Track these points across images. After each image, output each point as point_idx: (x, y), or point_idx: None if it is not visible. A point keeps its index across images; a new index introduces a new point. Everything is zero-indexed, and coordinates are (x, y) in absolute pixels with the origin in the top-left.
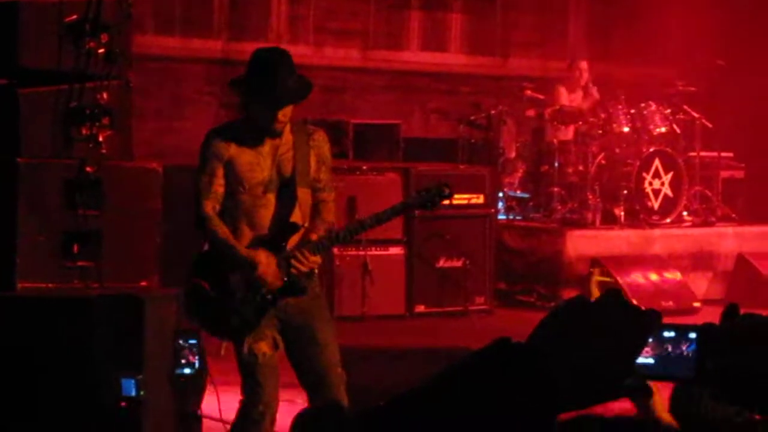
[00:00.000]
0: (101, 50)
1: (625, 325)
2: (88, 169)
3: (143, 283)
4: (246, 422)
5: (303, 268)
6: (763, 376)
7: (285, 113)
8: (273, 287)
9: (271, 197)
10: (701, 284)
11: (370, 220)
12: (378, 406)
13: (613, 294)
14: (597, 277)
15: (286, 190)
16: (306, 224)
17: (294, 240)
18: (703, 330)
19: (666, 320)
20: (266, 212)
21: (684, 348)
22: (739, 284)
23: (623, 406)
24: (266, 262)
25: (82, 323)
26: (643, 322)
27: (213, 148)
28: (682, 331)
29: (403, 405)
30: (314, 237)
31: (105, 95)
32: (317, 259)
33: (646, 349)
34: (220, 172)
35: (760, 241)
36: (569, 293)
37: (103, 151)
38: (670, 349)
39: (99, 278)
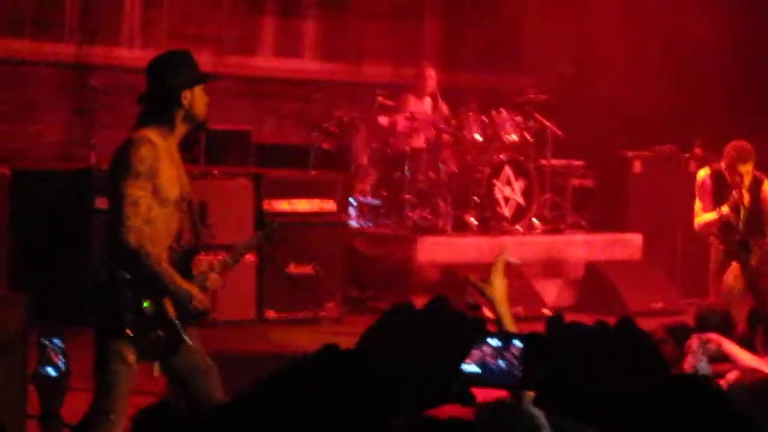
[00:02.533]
0: None
1: (448, 332)
2: None
3: None
4: (104, 428)
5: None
6: (578, 383)
7: None
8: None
9: (176, 214)
10: (551, 291)
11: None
12: (205, 411)
13: (438, 301)
14: (505, 257)
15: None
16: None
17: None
18: (528, 338)
19: (520, 327)
20: (170, 228)
21: (509, 356)
22: (589, 291)
23: (456, 409)
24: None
25: None
26: (467, 330)
27: (147, 161)
28: (507, 338)
29: (228, 411)
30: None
31: None
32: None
33: (472, 356)
34: (148, 185)
35: (609, 249)
36: (420, 299)
37: None
38: (495, 356)
39: None
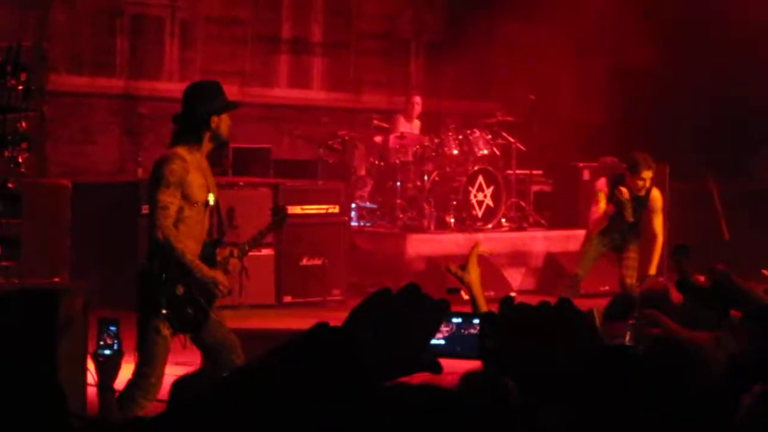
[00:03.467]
0: (20, 87)
1: (420, 313)
2: (9, 185)
3: (56, 279)
4: (146, 389)
5: (235, 270)
6: (524, 352)
7: None
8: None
9: (206, 213)
10: (516, 277)
11: (259, 235)
12: (221, 378)
13: (411, 287)
14: (478, 250)
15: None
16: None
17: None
18: (484, 316)
19: (491, 307)
20: (203, 225)
21: (469, 331)
22: (548, 278)
23: (426, 377)
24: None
25: (4, 313)
26: (435, 310)
27: (176, 174)
28: (467, 317)
29: (238, 377)
30: (225, 249)
31: (24, 124)
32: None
33: (439, 331)
34: (178, 193)
35: (565, 242)
36: None
37: (23, 170)
38: (458, 331)
39: (19, 275)
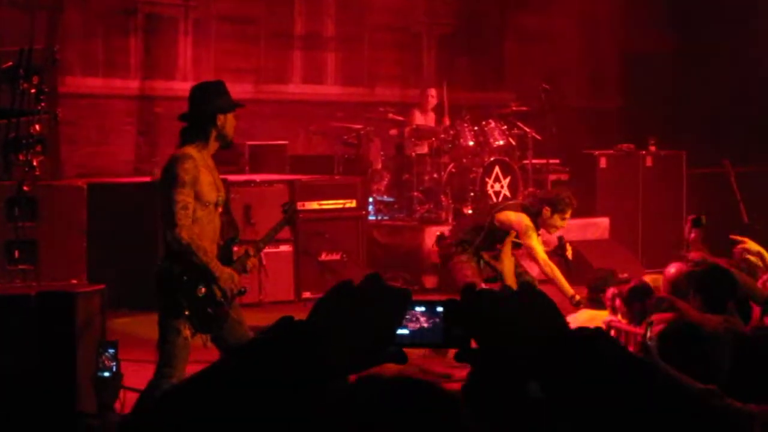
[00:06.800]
0: (33, 90)
1: (383, 302)
2: (24, 188)
3: (73, 281)
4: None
5: (253, 268)
6: (489, 338)
7: None
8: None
9: (216, 213)
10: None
11: (272, 232)
12: (180, 384)
13: (373, 277)
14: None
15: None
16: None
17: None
18: (447, 304)
19: None
20: (214, 226)
21: (433, 319)
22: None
23: (397, 368)
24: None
25: (23, 316)
26: (398, 300)
27: (190, 172)
28: (430, 305)
29: (201, 377)
30: (240, 248)
31: (37, 127)
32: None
33: (403, 321)
34: (192, 192)
35: (583, 231)
36: (429, 278)
37: (37, 173)
38: (422, 320)
39: (37, 278)
